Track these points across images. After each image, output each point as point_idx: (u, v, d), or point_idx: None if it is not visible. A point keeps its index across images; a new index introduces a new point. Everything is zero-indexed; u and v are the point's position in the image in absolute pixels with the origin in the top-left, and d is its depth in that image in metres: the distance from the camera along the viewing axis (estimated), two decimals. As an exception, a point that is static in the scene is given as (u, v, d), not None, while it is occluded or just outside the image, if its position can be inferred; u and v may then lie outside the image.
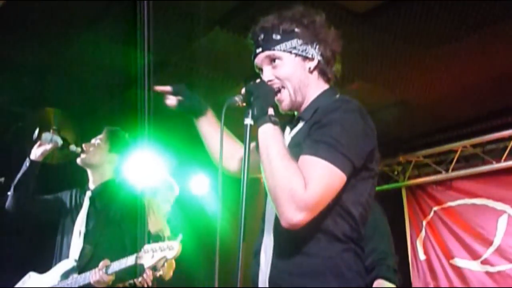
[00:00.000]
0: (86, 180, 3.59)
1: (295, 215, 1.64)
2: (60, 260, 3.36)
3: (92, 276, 3.08)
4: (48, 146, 3.39)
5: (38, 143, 3.40)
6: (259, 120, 1.78)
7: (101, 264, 3.10)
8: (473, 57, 4.70)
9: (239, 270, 1.66)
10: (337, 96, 1.94)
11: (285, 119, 2.00)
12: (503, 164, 6.03)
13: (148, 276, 3.34)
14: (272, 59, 1.92)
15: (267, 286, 1.78)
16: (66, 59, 4.81)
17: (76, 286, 3.15)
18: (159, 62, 4.79)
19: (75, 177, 3.69)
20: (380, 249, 3.04)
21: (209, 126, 2.18)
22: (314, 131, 1.77)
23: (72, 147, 3.41)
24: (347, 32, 4.26)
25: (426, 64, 4.81)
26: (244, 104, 1.83)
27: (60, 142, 3.41)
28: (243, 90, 1.85)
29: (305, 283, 1.71)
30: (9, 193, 3.44)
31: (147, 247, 3.04)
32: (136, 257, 3.02)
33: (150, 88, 4.15)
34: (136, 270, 3.11)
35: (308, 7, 1.95)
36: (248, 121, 1.79)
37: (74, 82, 5.16)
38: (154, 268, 3.22)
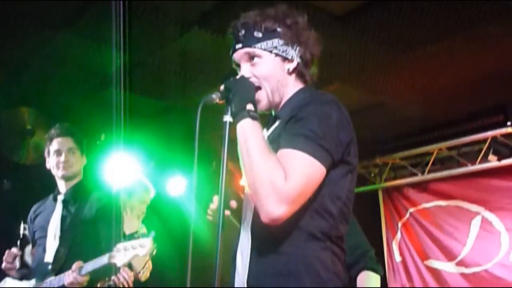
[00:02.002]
0: (54, 182, 3.56)
1: (276, 209, 1.61)
2: (36, 265, 3.33)
3: (66, 278, 3.07)
4: None
5: None
6: (237, 116, 1.76)
7: (74, 265, 3.09)
8: (449, 60, 4.75)
9: (217, 271, 1.64)
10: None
11: (265, 119, 1.97)
12: (477, 167, 6.10)
13: (129, 276, 3.33)
14: (252, 57, 1.89)
15: (244, 287, 1.75)
16: (42, 58, 4.75)
17: None
18: (136, 62, 4.75)
19: (47, 178, 3.64)
20: (363, 243, 3.07)
21: None
22: (290, 125, 1.75)
23: None
24: (325, 33, 4.25)
25: (403, 67, 4.84)
26: (222, 101, 1.81)
27: None
28: (221, 87, 1.82)
29: (279, 283, 1.68)
30: None
31: (119, 245, 3.04)
32: (109, 256, 3.01)
33: (126, 88, 4.13)
34: (111, 269, 3.10)
35: (291, 8, 1.93)
36: (227, 118, 1.77)
37: (50, 82, 5.09)
38: (129, 266, 3.20)
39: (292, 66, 1.90)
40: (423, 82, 5.14)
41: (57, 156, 3.45)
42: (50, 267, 3.24)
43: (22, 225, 3.43)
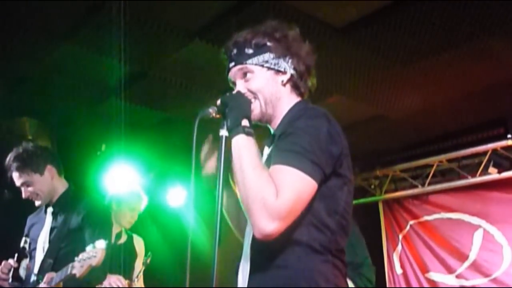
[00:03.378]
0: None
1: (268, 225, 1.62)
2: (26, 277, 3.34)
3: None
4: None
5: None
6: (232, 131, 1.78)
7: (46, 277, 3.10)
8: (450, 72, 4.76)
9: (214, 281, 1.64)
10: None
11: (265, 137, 1.99)
12: (478, 179, 6.09)
13: (118, 279, 3.36)
14: (244, 73, 1.93)
15: None
16: (43, 69, 4.76)
17: None
18: (137, 73, 4.77)
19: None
20: (355, 261, 3.03)
21: None
22: (280, 141, 1.76)
23: None
24: (325, 46, 4.30)
25: (404, 79, 4.85)
26: (218, 115, 1.83)
27: None
28: (218, 101, 1.85)
29: None
30: None
31: (80, 255, 3.04)
32: (71, 267, 3.02)
33: (126, 98, 4.14)
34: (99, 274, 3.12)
35: (281, 22, 1.97)
36: (223, 132, 1.80)
37: (50, 92, 5.10)
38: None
39: (285, 77, 1.93)
40: (424, 94, 5.15)
41: (23, 191, 3.39)
42: (35, 277, 3.23)
43: (24, 238, 3.41)
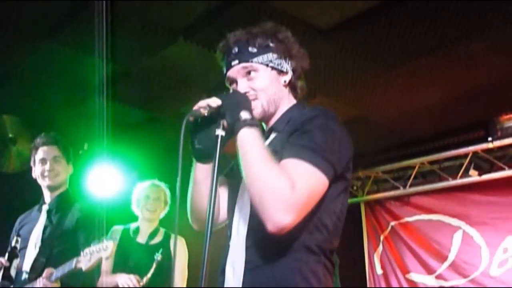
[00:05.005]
0: (40, 191, 3.54)
1: (284, 217, 1.60)
2: (15, 274, 3.31)
3: (37, 284, 3.09)
4: None
5: None
6: (234, 129, 1.76)
7: (45, 272, 3.11)
8: (432, 76, 4.80)
9: (203, 280, 1.62)
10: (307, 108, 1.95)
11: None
12: (458, 181, 6.16)
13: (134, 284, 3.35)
14: (248, 71, 1.91)
15: None
16: (25, 68, 4.72)
17: None
18: (121, 72, 4.75)
19: (31, 187, 3.61)
20: None
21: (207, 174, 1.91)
22: (296, 138, 1.75)
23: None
24: (309, 47, 4.29)
25: (386, 81, 4.89)
26: (206, 113, 1.78)
27: None
28: (206, 102, 1.80)
29: None
30: None
31: (86, 250, 3.06)
32: (76, 261, 3.03)
33: (110, 97, 4.12)
34: (83, 275, 3.10)
35: (276, 24, 1.98)
36: (219, 131, 1.76)
37: (33, 91, 5.06)
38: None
39: (287, 78, 1.95)
40: (406, 97, 5.19)
41: (42, 165, 3.42)
42: (27, 275, 3.23)
43: (15, 238, 3.37)
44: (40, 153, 3.45)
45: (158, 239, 4.21)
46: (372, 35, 4.16)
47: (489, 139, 5.72)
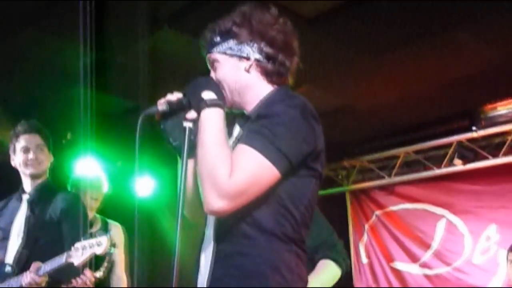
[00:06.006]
0: (19, 180, 3.46)
1: (216, 203, 1.63)
2: None
3: (24, 278, 3.03)
4: None
5: None
6: (198, 110, 1.75)
7: (32, 266, 3.05)
8: (417, 65, 4.81)
9: (175, 270, 1.64)
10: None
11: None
12: (443, 170, 6.20)
13: (88, 277, 3.27)
14: (212, 62, 1.89)
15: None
16: (6, 55, 4.65)
17: None
18: (104, 61, 4.69)
19: (10, 176, 3.55)
20: (324, 233, 3.02)
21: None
22: (253, 122, 1.74)
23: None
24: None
25: (372, 70, 4.89)
26: (165, 108, 1.79)
27: None
28: (165, 98, 1.80)
29: (245, 284, 1.68)
30: None
31: (77, 245, 3.01)
32: (67, 256, 2.99)
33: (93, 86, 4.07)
34: (71, 269, 3.06)
35: (254, 6, 1.91)
36: (186, 124, 1.76)
37: (15, 79, 4.99)
38: (90, 266, 3.17)
39: (248, 64, 1.85)
40: (391, 86, 5.20)
41: (25, 153, 3.34)
42: (10, 268, 3.17)
43: None
44: (21, 141, 3.37)
45: (96, 227, 4.20)
46: (357, 24, 4.16)
47: (473, 128, 5.77)
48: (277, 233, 1.70)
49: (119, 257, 4.14)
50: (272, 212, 1.70)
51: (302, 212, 1.75)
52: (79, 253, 2.97)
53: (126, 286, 4.11)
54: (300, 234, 1.76)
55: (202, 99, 1.75)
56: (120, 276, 4.08)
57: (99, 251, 2.98)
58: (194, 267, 1.84)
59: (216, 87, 1.82)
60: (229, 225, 1.71)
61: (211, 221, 1.82)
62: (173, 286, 1.63)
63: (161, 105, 1.80)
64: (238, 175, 1.62)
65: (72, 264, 2.98)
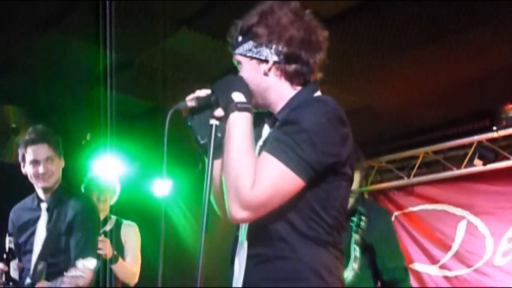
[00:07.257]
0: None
1: (238, 213, 1.63)
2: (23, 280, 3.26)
3: None
4: None
5: None
6: (227, 111, 1.71)
7: (37, 285, 3.07)
8: (436, 65, 4.77)
9: (199, 272, 1.63)
10: (315, 94, 1.85)
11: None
12: (463, 171, 6.13)
13: None
14: (238, 62, 1.85)
15: None
16: (28, 57, 4.70)
17: None
18: (123, 62, 4.72)
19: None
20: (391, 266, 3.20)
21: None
22: (278, 128, 1.71)
23: None
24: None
25: (391, 71, 4.86)
26: (194, 104, 1.74)
27: None
28: (194, 94, 1.77)
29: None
30: None
31: (69, 272, 3.05)
32: (60, 282, 3.03)
33: (112, 87, 4.10)
34: None
35: (274, 3, 1.83)
36: (213, 121, 1.72)
37: (35, 81, 5.05)
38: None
39: (267, 67, 1.78)
40: (410, 86, 5.16)
41: (35, 167, 3.23)
42: (29, 281, 3.16)
43: (7, 238, 3.24)
44: (30, 153, 3.23)
45: (109, 226, 4.24)
46: (376, 24, 4.13)
47: (494, 128, 5.70)
48: (312, 237, 1.69)
49: (131, 257, 4.21)
50: (304, 217, 1.69)
51: (334, 216, 1.72)
52: (69, 280, 3.02)
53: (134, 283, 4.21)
54: (334, 237, 1.73)
55: (232, 100, 1.71)
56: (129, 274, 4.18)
57: (81, 283, 3.01)
58: (229, 272, 1.81)
59: (246, 88, 1.77)
60: (263, 228, 1.69)
61: (243, 225, 1.79)
62: (198, 287, 1.62)
63: (190, 101, 1.76)
64: (260, 187, 1.61)
65: None
